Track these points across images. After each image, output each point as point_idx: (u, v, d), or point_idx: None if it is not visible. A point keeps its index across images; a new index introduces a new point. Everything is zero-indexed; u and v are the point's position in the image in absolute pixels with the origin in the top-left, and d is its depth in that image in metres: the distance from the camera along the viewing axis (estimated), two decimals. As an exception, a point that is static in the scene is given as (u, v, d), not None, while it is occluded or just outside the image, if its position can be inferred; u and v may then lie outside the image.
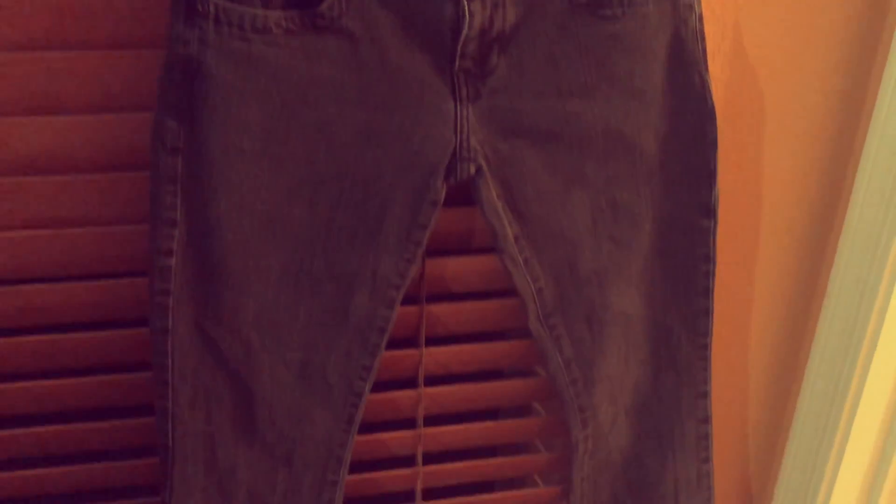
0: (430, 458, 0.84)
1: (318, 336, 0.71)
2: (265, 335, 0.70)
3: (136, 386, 0.74)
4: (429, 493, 0.85)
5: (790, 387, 0.93)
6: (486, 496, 0.86)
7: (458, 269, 0.76)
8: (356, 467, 0.81)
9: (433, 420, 0.82)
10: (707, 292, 0.79)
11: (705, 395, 0.85)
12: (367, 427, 0.80)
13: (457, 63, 0.64)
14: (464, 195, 0.70)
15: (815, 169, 0.82)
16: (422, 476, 0.83)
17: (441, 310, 0.78)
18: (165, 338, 0.68)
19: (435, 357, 0.79)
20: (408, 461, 0.83)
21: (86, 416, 0.76)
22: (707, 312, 0.80)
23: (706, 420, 0.86)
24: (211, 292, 0.67)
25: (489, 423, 0.83)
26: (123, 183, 0.67)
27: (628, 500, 0.89)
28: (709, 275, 0.78)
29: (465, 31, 0.63)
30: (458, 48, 0.63)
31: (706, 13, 0.71)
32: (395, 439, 0.81)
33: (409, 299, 0.76)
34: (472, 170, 0.66)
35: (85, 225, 0.68)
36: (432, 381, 0.81)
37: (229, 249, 0.66)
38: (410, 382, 0.80)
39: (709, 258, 0.77)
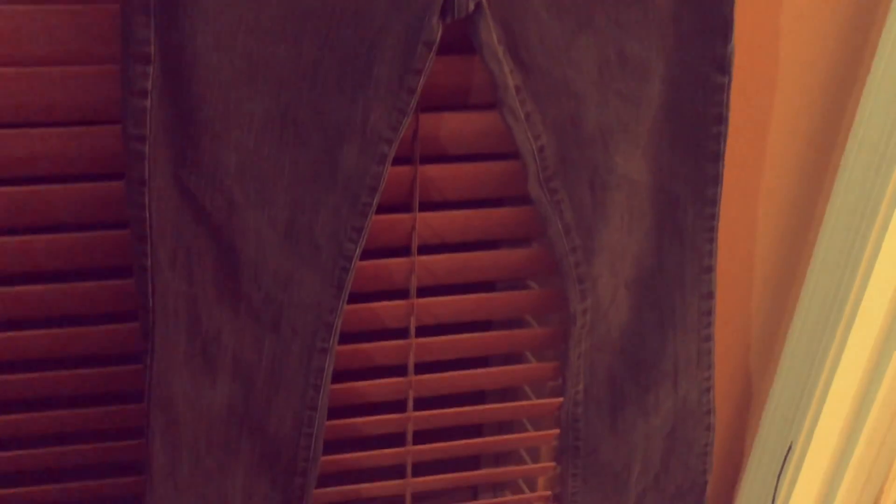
0: (423, 332, 0.81)
1: (304, 192, 0.68)
2: (248, 189, 0.66)
3: (113, 244, 0.70)
4: (421, 368, 0.83)
5: (797, 266, 0.90)
6: (479, 371, 0.84)
7: (455, 126, 0.72)
8: (347, 338, 0.78)
9: (427, 291, 0.80)
10: (717, 157, 0.75)
11: (710, 269, 0.82)
12: (359, 297, 0.78)
13: None
14: (462, 42, 0.66)
15: (834, 26, 0.77)
16: (414, 349, 0.81)
17: (436, 171, 0.74)
18: (142, 189, 0.64)
19: (429, 223, 0.76)
20: (400, 334, 0.81)
21: (61, 279, 0.73)
22: (716, 180, 0.76)
23: (710, 295, 0.83)
24: (189, 140, 0.63)
25: (484, 295, 0.80)
26: (93, 16, 0.62)
27: (626, 379, 0.88)
28: (720, 138, 0.74)
29: None
30: None
31: None
32: (386, 309, 0.79)
33: (402, 160, 0.72)
34: (471, 7, 0.61)
35: (51, 64, 0.63)
36: (426, 250, 0.78)
37: (207, 91, 0.61)
38: (403, 251, 0.77)
39: (721, 119, 0.73)
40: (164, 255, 0.67)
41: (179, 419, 0.74)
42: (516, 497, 0.94)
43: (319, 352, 0.75)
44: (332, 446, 0.84)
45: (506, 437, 0.89)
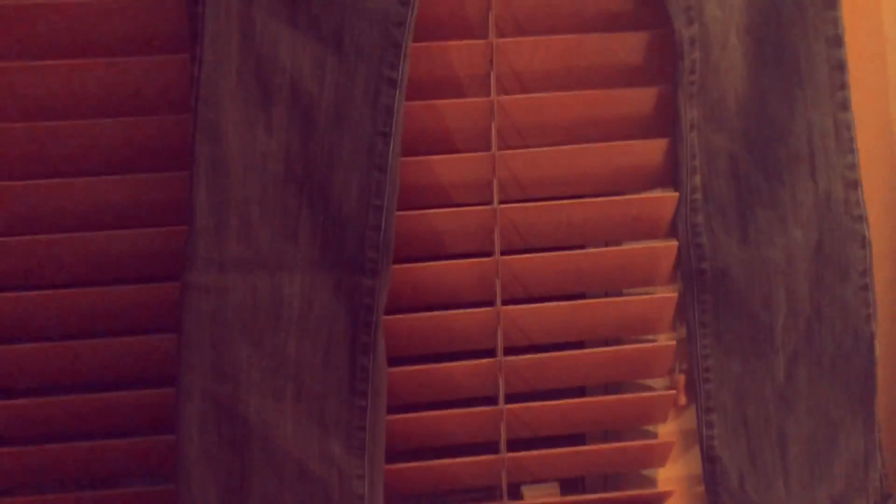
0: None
1: None
2: None
3: None
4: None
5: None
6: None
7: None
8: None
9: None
10: None
11: (833, 4, 0.73)
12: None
13: None
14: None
15: None
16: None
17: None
18: None
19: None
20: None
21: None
22: None
23: (838, 41, 0.73)
24: None
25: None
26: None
27: (751, 168, 0.75)
28: None
29: None
30: None
31: None
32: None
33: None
34: None
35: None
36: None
37: None
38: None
39: None
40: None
41: (228, 159, 0.66)
42: (633, 347, 0.78)
43: (388, 83, 0.67)
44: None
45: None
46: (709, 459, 0.78)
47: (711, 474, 0.78)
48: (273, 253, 0.68)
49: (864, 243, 0.77)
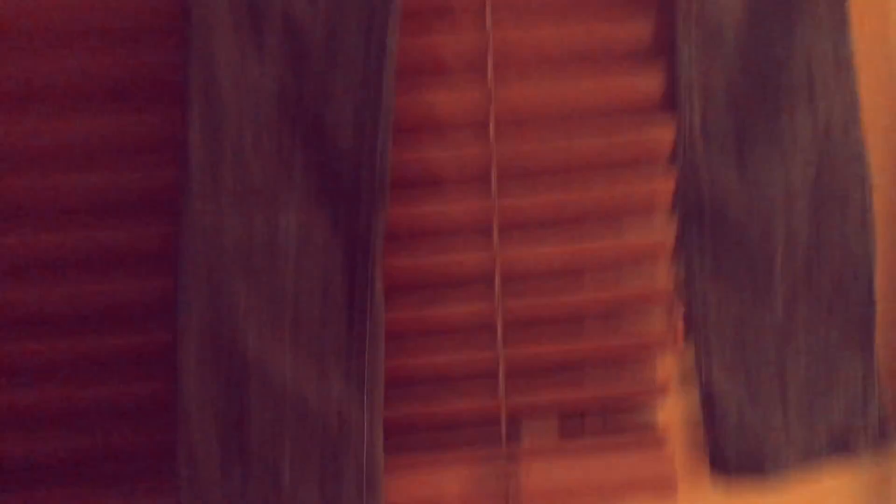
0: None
1: None
2: None
3: None
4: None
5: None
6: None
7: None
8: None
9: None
10: None
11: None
12: None
13: None
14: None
15: None
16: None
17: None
18: None
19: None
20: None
21: None
22: None
23: (836, -32, 0.73)
24: None
25: None
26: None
27: (748, 96, 0.74)
28: None
29: None
30: None
31: None
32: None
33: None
34: None
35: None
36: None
37: None
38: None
39: None
40: None
41: (222, 92, 0.65)
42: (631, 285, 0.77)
43: (381, 15, 0.66)
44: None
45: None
46: (707, 396, 0.78)
47: (710, 411, 0.78)
48: (268, 188, 0.68)
49: (864, 179, 0.76)
